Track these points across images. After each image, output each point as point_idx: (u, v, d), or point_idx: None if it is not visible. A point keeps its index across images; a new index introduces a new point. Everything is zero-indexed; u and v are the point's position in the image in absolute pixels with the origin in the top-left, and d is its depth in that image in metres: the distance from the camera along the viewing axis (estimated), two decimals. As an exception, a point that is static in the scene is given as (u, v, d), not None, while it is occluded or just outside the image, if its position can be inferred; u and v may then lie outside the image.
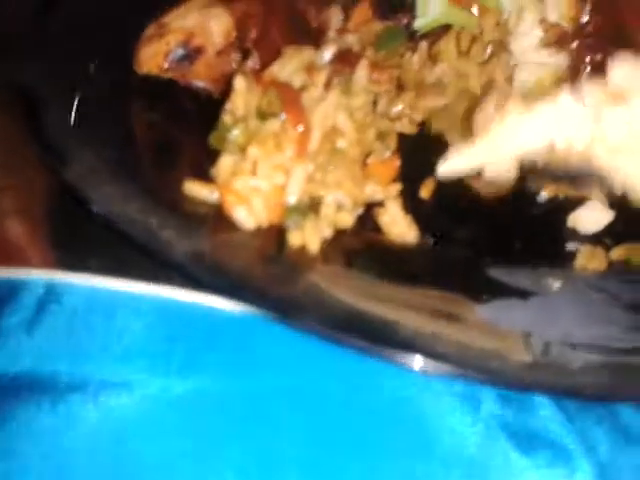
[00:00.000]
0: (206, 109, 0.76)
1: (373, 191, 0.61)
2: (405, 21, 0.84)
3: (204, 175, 0.60)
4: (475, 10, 0.80)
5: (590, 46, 0.79)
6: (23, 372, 0.50)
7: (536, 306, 0.50)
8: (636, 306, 0.51)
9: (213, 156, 0.63)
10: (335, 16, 0.79)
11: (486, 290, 0.51)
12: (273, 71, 0.62)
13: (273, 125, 0.58)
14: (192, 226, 0.53)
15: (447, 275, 0.54)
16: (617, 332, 0.47)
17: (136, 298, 0.56)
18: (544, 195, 0.67)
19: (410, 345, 0.42)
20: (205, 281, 0.48)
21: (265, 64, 0.77)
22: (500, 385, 0.44)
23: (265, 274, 0.49)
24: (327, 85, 0.60)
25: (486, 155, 0.62)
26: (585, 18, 0.79)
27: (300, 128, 0.57)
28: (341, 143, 0.62)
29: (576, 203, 0.64)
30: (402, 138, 0.70)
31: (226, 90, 0.76)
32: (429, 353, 0.42)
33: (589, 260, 0.59)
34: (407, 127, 0.71)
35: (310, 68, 0.62)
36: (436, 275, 0.54)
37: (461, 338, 0.44)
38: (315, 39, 0.78)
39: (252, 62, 0.78)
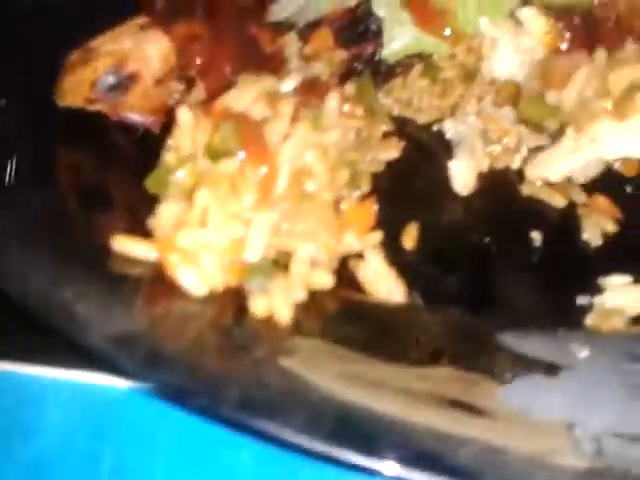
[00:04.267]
0: (142, 148, 0.64)
1: (351, 241, 0.51)
2: (370, 50, 0.76)
3: (139, 228, 0.48)
4: (448, 33, 0.73)
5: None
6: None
7: (569, 385, 0.40)
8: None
9: (150, 204, 0.51)
10: (292, 42, 0.70)
11: (504, 365, 0.40)
12: (226, 101, 0.51)
13: (229, 166, 0.46)
14: (120, 297, 0.40)
15: (452, 346, 0.43)
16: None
17: (49, 386, 0.43)
18: (538, 239, 0.59)
19: (420, 458, 0.31)
20: (135, 374, 0.35)
21: (212, 96, 0.66)
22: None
23: (221, 361, 0.36)
24: (294, 118, 0.50)
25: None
26: (564, 45, 0.74)
27: (263, 169, 0.46)
28: (310, 186, 0.52)
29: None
30: (376, 178, 0.61)
31: (166, 125, 0.65)
32: (450, 468, 0.30)
33: (604, 319, 0.50)
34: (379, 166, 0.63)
35: (272, 98, 0.51)
36: (438, 346, 0.43)
37: (490, 440, 0.33)
38: (270, 68, 0.69)
39: (197, 93, 0.68)
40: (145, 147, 0.64)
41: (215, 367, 0.35)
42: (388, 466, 0.31)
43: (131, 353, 0.35)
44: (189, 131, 0.51)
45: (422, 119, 0.77)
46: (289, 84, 0.56)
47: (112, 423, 0.45)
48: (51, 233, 0.45)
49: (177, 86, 0.66)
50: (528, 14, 0.74)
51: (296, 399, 0.34)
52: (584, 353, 0.43)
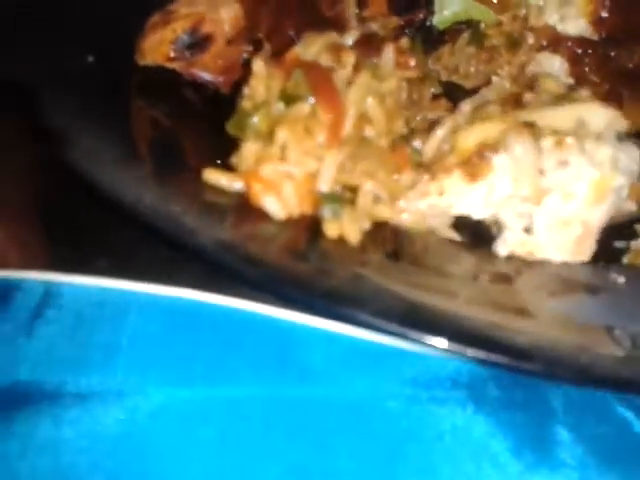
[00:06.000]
0: (213, 104, 0.70)
1: (407, 181, 0.56)
2: (421, 16, 0.80)
3: (221, 165, 0.54)
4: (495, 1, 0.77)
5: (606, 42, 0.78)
6: (21, 382, 0.43)
7: (608, 301, 0.45)
8: None
9: (229, 147, 0.58)
10: (351, 6, 0.75)
11: (552, 285, 0.46)
12: (296, 52, 0.57)
13: (301, 109, 0.52)
14: (217, 214, 0.46)
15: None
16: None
17: (148, 300, 0.49)
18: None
19: (487, 340, 0.36)
20: (236, 272, 0.42)
21: (278, 56, 0.72)
22: (593, 383, 0.38)
23: (305, 264, 0.42)
24: (355, 68, 0.55)
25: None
26: (604, 14, 0.77)
27: (332, 111, 0.52)
28: (370, 131, 0.57)
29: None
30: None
31: (236, 84, 0.71)
32: (509, 349, 0.36)
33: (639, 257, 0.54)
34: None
35: (335, 49, 0.57)
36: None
37: (538, 332, 0.39)
38: (330, 30, 0.74)
39: (264, 53, 0.74)
40: (216, 105, 0.71)
41: (303, 269, 0.41)
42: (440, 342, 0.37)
43: (230, 255, 0.41)
44: (264, 80, 0.56)
45: (469, 84, 0.83)
46: (349, 38, 0.61)
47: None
48: (148, 165, 0.52)
49: (246, 47, 0.72)
50: (570, -16, 0.78)
51: (371, 294, 0.40)
52: (621, 279, 0.48)
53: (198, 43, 0.69)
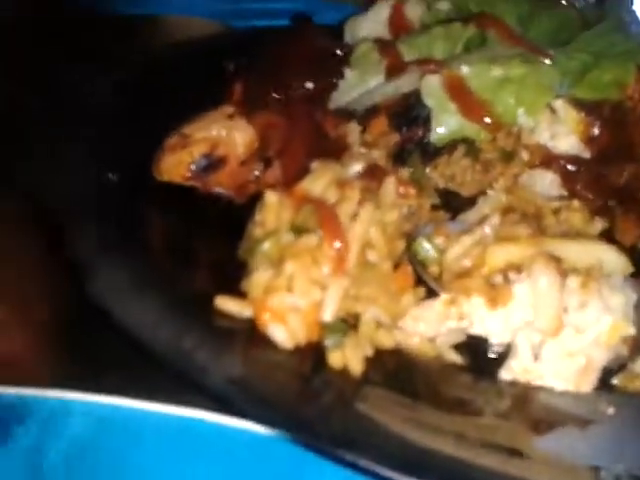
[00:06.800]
0: (227, 214, 0.75)
1: (409, 303, 0.59)
2: (420, 134, 0.86)
3: (232, 288, 0.58)
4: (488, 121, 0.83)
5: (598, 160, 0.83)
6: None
7: (597, 436, 0.47)
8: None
9: (240, 267, 0.62)
10: (354, 130, 0.81)
11: (542, 418, 0.48)
12: (304, 186, 0.62)
13: (309, 240, 0.57)
14: (227, 347, 0.50)
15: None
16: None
17: (163, 422, 0.51)
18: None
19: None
20: (244, 410, 0.45)
21: (287, 173, 0.78)
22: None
23: (313, 404, 0.45)
24: (361, 201, 0.60)
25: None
26: (595, 132, 0.83)
27: (337, 244, 0.56)
28: (372, 256, 0.61)
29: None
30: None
31: (248, 197, 0.77)
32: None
33: (630, 381, 0.57)
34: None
35: (341, 183, 0.62)
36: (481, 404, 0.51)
37: (527, 476, 0.41)
38: (333, 151, 0.80)
39: (274, 171, 0.79)
40: (229, 214, 0.76)
41: (307, 411, 0.44)
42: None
43: (239, 393, 0.44)
44: (274, 210, 0.61)
45: (465, 192, 0.88)
46: (354, 169, 0.67)
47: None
48: (165, 292, 0.56)
49: (257, 165, 0.78)
50: (560, 106, 0.85)
51: (370, 436, 0.42)
52: (610, 410, 0.51)
53: (213, 165, 0.74)
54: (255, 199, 0.66)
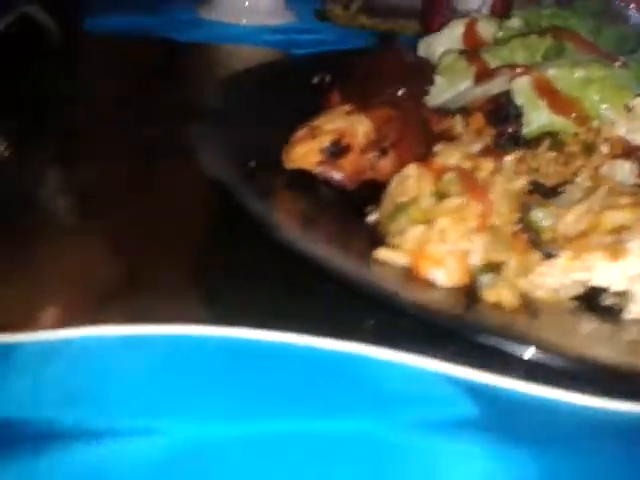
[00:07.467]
0: (345, 198, 0.86)
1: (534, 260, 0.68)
2: (512, 129, 0.97)
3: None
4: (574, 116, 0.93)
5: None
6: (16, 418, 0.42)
7: None
8: None
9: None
10: (459, 123, 0.92)
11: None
12: (442, 159, 0.72)
13: (455, 201, 0.66)
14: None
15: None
16: None
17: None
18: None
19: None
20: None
21: (402, 162, 0.88)
22: None
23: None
24: (493, 171, 0.70)
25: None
26: (670, 130, 0.93)
27: (480, 205, 0.66)
28: (496, 220, 0.71)
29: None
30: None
31: (360, 183, 0.87)
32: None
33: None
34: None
35: (471, 157, 0.72)
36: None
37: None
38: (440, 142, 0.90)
39: (387, 161, 0.90)
40: (346, 198, 0.86)
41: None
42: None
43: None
44: (415, 180, 0.71)
45: (548, 183, 0.97)
46: (476, 147, 0.77)
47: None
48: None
49: (373, 155, 0.88)
50: (638, 103, 0.95)
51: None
52: None
53: (340, 152, 0.85)
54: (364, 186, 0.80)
